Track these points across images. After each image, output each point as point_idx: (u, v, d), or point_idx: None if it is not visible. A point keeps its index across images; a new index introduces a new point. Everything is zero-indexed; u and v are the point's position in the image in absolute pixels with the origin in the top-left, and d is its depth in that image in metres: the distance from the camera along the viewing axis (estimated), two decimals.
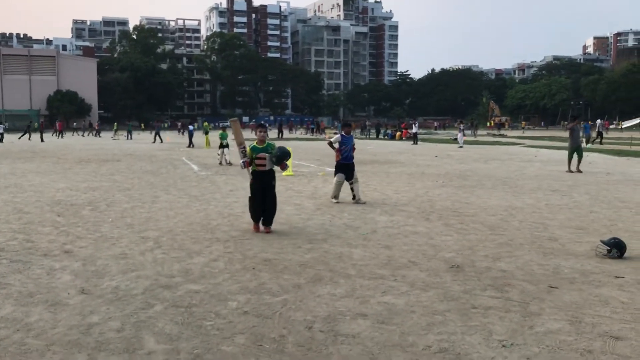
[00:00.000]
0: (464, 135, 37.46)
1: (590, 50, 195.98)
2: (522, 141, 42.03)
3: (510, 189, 13.58)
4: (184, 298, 5.37)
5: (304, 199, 12.14)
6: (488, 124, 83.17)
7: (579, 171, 17.43)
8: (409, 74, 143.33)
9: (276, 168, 8.67)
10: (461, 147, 33.58)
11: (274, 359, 4.02)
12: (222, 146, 21.22)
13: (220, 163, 20.83)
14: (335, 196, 11.60)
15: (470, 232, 8.47)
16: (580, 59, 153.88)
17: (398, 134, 49.68)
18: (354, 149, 11.81)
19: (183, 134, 54.47)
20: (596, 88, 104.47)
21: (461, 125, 39.40)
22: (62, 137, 52.92)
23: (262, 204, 8.34)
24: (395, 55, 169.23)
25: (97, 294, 5.47)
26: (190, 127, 37.39)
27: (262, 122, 13.62)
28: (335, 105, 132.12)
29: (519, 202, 11.47)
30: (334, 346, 4.26)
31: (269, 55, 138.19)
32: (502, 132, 66.09)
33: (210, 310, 5.02)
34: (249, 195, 8.60)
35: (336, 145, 11.59)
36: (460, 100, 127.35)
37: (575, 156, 17.62)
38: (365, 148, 32.80)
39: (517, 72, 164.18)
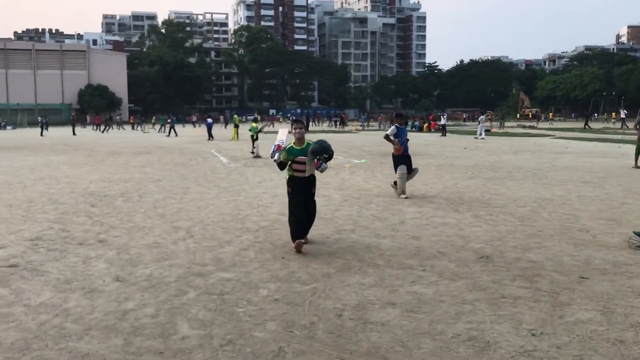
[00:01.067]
0: (484, 127, 37.12)
1: (624, 39, 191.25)
2: (553, 133, 41.39)
3: (540, 181, 13.43)
4: (216, 286, 5.48)
5: (332, 190, 12.19)
6: (517, 115, 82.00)
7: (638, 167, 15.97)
8: (437, 65, 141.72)
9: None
10: (482, 138, 33.25)
11: (304, 345, 4.10)
12: (256, 139, 21.38)
13: (255, 155, 21.01)
14: (403, 191, 11.01)
15: (499, 223, 8.43)
16: (613, 49, 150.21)
17: (426, 125, 49.33)
18: (408, 140, 11.29)
19: (195, 127, 54.23)
20: (630, 78, 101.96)
21: (481, 116, 38.92)
22: (107, 131, 53.10)
23: (303, 216, 6.88)
24: (423, 46, 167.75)
25: (132, 282, 5.62)
26: (209, 120, 37.43)
27: (299, 117, 10.24)
28: (362, 97, 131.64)
29: (549, 194, 11.35)
30: (363, 333, 4.32)
31: (296, 48, 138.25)
32: (532, 124, 64.95)
33: (242, 298, 5.12)
34: (288, 208, 7.07)
35: (393, 138, 11.01)
36: (490, 91, 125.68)
37: None
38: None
39: (547, 62, 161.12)
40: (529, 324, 4.48)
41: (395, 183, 11.25)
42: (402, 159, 11.05)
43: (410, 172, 11.11)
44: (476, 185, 12.69)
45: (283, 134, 7.22)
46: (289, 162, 6.85)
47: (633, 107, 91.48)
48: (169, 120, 44.71)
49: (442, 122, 40.34)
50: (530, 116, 79.79)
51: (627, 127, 47.49)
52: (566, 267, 6.10)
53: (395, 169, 11.14)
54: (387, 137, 11.25)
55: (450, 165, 17.18)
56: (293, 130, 6.88)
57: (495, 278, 5.67)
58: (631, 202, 10.24)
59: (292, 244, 6.83)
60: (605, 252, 6.72)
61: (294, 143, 6.87)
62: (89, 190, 12.17)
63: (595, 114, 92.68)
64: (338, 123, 61.93)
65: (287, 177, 6.99)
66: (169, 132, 41.94)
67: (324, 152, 6.74)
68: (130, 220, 8.84)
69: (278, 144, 6.89)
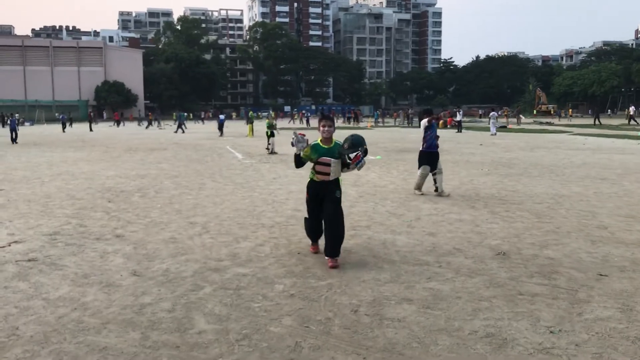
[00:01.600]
0: (497, 123, 36.99)
1: None
2: (570, 129, 40.96)
3: (558, 177, 13.30)
4: (232, 281, 5.50)
5: (347, 186, 12.16)
6: (534, 111, 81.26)
7: None
8: (453, 61, 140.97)
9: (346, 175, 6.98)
10: (494, 134, 33.23)
11: (320, 340, 4.10)
12: (271, 135, 21.39)
13: (270, 151, 21.04)
14: (419, 187, 10.92)
15: (516, 220, 8.36)
16: (632, 44, 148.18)
17: (442, 122, 49.05)
18: (438, 137, 11.03)
19: (203, 122, 54.25)
20: None
21: (492, 112, 38.70)
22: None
23: (320, 222, 6.16)
24: (439, 42, 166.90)
25: (149, 276, 5.66)
26: (221, 117, 37.49)
27: (328, 113, 7.57)
28: (377, 94, 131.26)
29: (566, 191, 11.23)
30: (379, 329, 4.30)
31: (311, 44, 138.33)
32: (552, 120, 64.17)
33: (258, 293, 5.13)
34: (305, 215, 6.44)
35: (422, 132, 10.85)
36: (506, 87, 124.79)
37: None
38: (408, 136, 32.56)
39: (564, 58, 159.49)
40: (546, 321, 4.44)
41: (436, 189, 10.80)
42: (429, 156, 10.80)
43: (434, 169, 10.78)
44: (492, 182, 12.60)
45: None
46: (313, 162, 6.02)
47: None
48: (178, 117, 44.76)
49: (458, 118, 40.12)
50: (552, 112, 78.94)
51: (637, 122, 47.24)
52: (584, 264, 6.03)
53: (420, 166, 10.90)
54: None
55: (466, 162, 17.06)
56: (321, 128, 5.94)
57: (512, 275, 5.63)
58: None
59: (308, 243, 6.78)
60: (623, 249, 6.64)
61: (320, 140, 5.99)
62: (105, 186, 12.27)
63: (608, 110, 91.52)
64: (352, 119, 61.86)
65: (308, 180, 6.16)
66: (177, 128, 41.34)
67: (361, 145, 5.94)
68: (146, 215, 8.90)
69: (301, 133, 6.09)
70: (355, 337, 4.18)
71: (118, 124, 58.83)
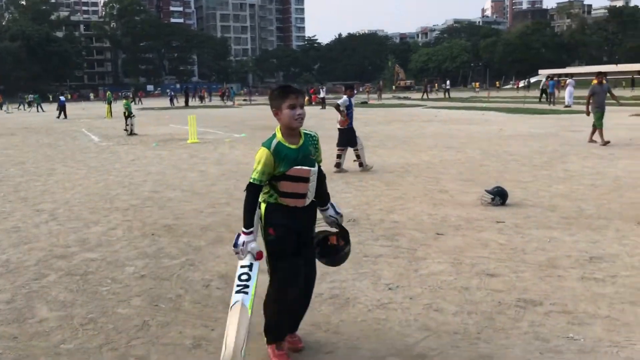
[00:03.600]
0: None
1: (488, 13, 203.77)
2: (425, 103, 43.46)
3: (410, 148, 14.14)
4: (79, 266, 5.30)
5: (210, 165, 12.09)
6: (393, 87, 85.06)
7: (593, 141, 13.88)
8: (317, 39, 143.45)
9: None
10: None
11: (169, 317, 4.10)
12: (128, 116, 20.53)
13: (129, 133, 20.19)
14: (339, 164, 10.73)
15: (368, 189, 8.81)
16: (479, 22, 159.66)
17: (307, 99, 49.86)
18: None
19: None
20: (494, 50, 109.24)
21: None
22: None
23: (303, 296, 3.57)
24: (303, 20, 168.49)
25: None
26: (62, 98, 34.95)
27: (295, 87, 3.40)
28: (244, 71, 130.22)
29: (416, 159, 12.00)
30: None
31: (172, 20, 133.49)
32: (423, 96, 66.93)
33: (107, 277, 5.00)
34: (271, 279, 3.55)
35: (343, 109, 10.63)
36: (368, 64, 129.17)
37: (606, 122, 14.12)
38: (269, 113, 32.72)
39: (420, 36, 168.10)
40: (387, 279, 4.78)
41: (360, 164, 10.77)
42: (349, 132, 10.79)
43: (355, 144, 10.79)
44: (349, 155, 13.07)
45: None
46: (276, 179, 3.31)
47: (497, 76, 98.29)
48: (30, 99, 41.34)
49: (322, 95, 41.02)
50: (424, 89, 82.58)
51: (449, 97, 52.28)
52: (425, 225, 6.53)
53: (340, 143, 10.81)
54: (337, 107, 10.82)
55: (328, 137, 17.52)
56: (286, 110, 3.27)
57: (360, 239, 5.96)
58: (488, 164, 11.10)
59: (166, 223, 6.66)
60: (460, 210, 7.26)
61: (283, 137, 3.30)
62: None
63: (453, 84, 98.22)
64: (201, 99, 59.37)
65: (264, 208, 3.39)
66: (59, 113, 37.77)
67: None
68: None
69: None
70: (206, 310, 4.23)
71: None
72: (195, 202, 8.19)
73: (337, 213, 3.64)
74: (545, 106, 31.83)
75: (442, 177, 9.69)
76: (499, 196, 7.45)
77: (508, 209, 7.22)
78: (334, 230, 3.65)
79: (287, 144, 3.27)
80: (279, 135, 3.29)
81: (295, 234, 3.39)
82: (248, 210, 3.33)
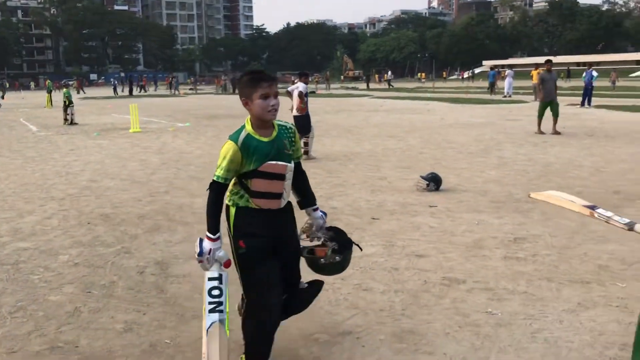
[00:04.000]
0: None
1: (434, 4, 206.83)
2: (371, 93, 43.93)
3: (353, 137, 14.35)
4: (10, 256, 5.22)
5: (151, 154, 11.95)
6: (342, 77, 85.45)
7: (557, 132, 13.69)
8: (265, 28, 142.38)
9: None
10: None
11: (101, 303, 4.11)
12: (68, 105, 19.99)
13: (69, 122, 19.66)
14: (306, 152, 10.60)
15: (310, 177, 8.80)
16: (425, 13, 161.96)
17: None
18: None
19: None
20: (440, 41, 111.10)
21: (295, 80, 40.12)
22: None
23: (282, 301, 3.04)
24: (250, 8, 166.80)
25: None
26: None
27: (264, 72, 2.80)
28: (191, 60, 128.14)
29: (359, 148, 12.21)
30: (164, 286, 4.43)
31: (116, 7, 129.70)
32: (379, 86, 67.33)
33: (39, 265, 4.95)
34: (244, 291, 3.08)
35: (298, 95, 10.76)
36: (316, 54, 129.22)
37: (548, 113, 13.87)
38: (221, 103, 32.52)
39: (368, 26, 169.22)
40: None
41: (306, 152, 10.60)
42: (305, 118, 10.84)
43: (308, 132, 10.87)
44: None
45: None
46: (246, 177, 2.89)
47: (443, 67, 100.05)
48: None
49: None
50: (377, 79, 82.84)
51: (392, 86, 54.64)
52: (362, 210, 6.71)
53: (300, 130, 10.60)
54: (300, 94, 10.83)
55: None
56: (257, 100, 2.80)
57: (298, 225, 6.05)
58: (426, 152, 11.40)
59: (104, 212, 6.60)
60: (397, 195, 7.48)
61: (253, 129, 2.87)
62: None
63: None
64: (141, 88, 57.80)
65: (233, 214, 2.96)
66: None
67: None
68: None
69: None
70: (139, 296, 4.26)
71: None
72: (133, 190, 8.12)
73: (324, 213, 3.37)
74: (487, 96, 32.73)
75: (383, 165, 9.92)
76: (434, 182, 7.70)
77: (442, 194, 7.48)
78: (318, 242, 3.35)
79: (257, 137, 2.84)
80: (248, 127, 2.86)
81: (271, 243, 2.96)
82: (212, 212, 2.90)
